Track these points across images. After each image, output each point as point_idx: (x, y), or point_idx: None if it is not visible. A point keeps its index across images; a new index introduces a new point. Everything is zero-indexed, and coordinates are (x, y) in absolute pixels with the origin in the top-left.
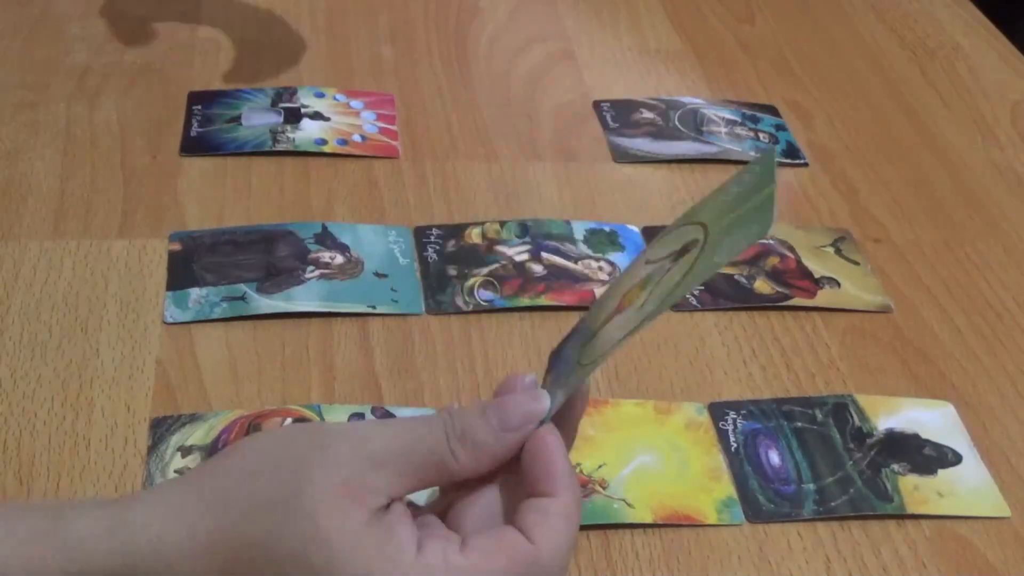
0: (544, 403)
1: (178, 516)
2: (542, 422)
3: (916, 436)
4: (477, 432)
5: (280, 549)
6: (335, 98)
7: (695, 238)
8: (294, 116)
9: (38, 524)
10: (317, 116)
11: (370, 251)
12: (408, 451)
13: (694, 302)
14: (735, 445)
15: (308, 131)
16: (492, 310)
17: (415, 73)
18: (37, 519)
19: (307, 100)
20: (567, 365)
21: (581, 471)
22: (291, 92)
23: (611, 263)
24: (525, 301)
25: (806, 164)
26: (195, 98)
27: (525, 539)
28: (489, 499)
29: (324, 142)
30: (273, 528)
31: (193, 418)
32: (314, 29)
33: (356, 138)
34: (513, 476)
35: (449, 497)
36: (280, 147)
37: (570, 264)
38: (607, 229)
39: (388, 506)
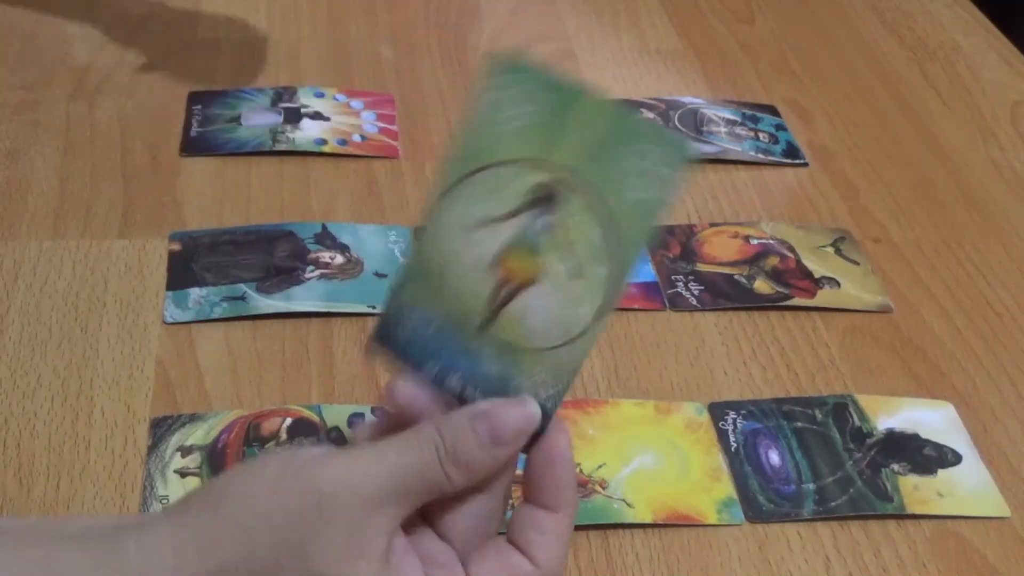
0: (533, 409)
1: (175, 565)
2: (538, 433)
3: (916, 436)
4: (470, 450)
5: None
6: (335, 98)
7: (547, 179)
8: (294, 116)
9: (29, 553)
10: (317, 116)
11: (370, 251)
12: (403, 485)
13: (694, 302)
14: (735, 445)
15: (308, 131)
16: None
17: (415, 73)
18: (29, 548)
19: (307, 100)
20: (483, 365)
21: (581, 471)
22: (291, 92)
23: None
24: None
25: (806, 164)
26: (195, 98)
27: (529, 562)
28: (481, 504)
29: (324, 142)
30: None
31: (193, 418)
32: (314, 29)
33: (356, 138)
34: (504, 477)
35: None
36: (280, 147)
37: None
38: None
39: (390, 544)
